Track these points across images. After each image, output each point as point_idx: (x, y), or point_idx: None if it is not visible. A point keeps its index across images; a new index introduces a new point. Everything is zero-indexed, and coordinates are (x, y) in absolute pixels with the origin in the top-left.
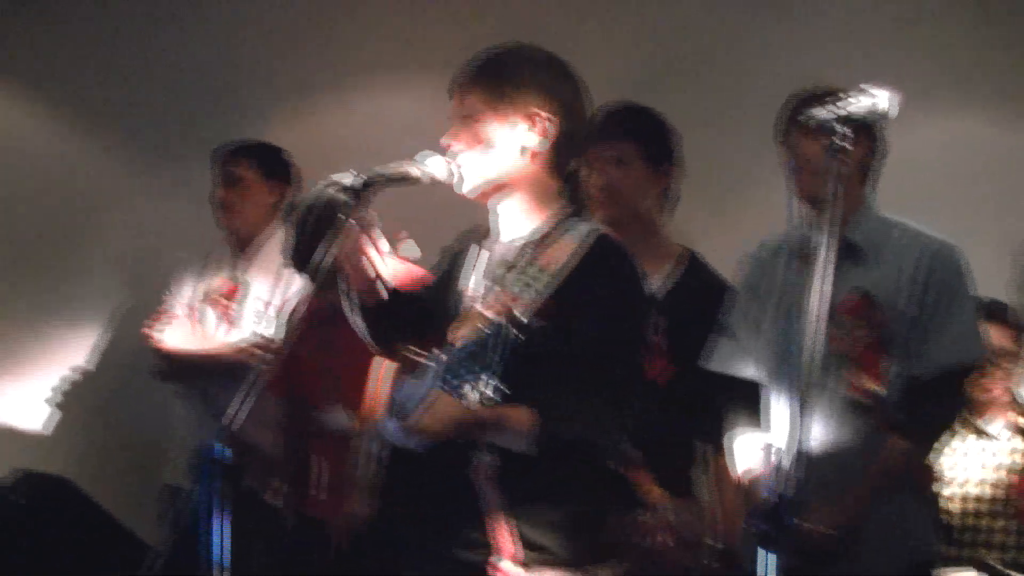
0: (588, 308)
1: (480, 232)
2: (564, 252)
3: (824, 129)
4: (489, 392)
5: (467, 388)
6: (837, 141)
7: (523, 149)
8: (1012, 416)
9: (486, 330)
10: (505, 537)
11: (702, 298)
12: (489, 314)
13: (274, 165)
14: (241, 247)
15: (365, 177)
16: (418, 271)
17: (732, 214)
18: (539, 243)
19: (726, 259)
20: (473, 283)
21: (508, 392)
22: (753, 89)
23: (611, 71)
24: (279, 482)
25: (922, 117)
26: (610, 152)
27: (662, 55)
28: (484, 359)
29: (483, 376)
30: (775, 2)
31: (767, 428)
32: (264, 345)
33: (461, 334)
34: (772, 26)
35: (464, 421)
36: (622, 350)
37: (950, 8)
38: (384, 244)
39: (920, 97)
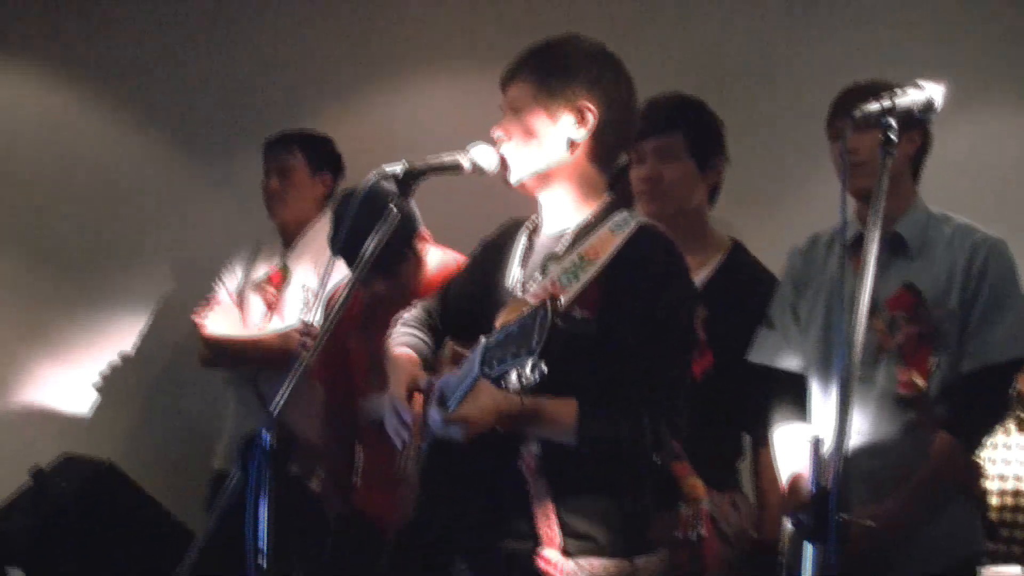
0: (632, 299)
1: (525, 223)
2: (609, 243)
3: (873, 122)
4: (529, 372)
5: (508, 371)
6: (886, 134)
7: (569, 142)
8: None
9: (527, 313)
10: (551, 527)
11: (742, 288)
12: (533, 301)
13: (323, 156)
14: (290, 237)
15: (408, 166)
16: (458, 258)
17: (782, 211)
18: (584, 234)
19: (774, 255)
20: (519, 274)
21: (546, 372)
22: (800, 88)
23: (650, 74)
24: (321, 472)
25: (964, 116)
26: (657, 145)
27: (706, 55)
28: (525, 341)
29: (523, 357)
30: (816, 6)
31: (810, 421)
32: (308, 332)
33: (504, 321)
34: (815, 29)
35: (507, 412)
36: (668, 345)
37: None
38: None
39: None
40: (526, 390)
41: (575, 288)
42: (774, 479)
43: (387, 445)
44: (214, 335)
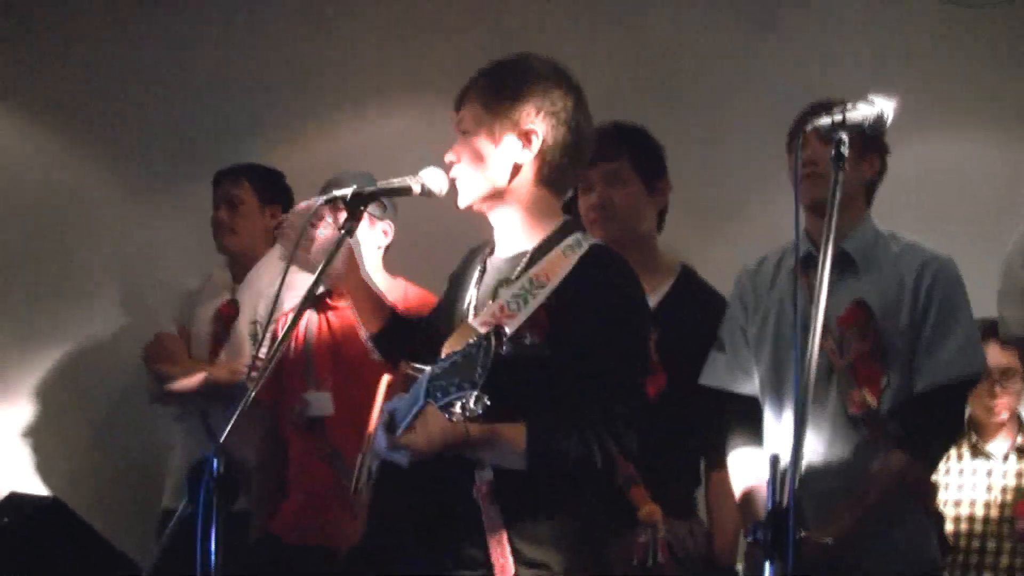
0: (583, 320)
1: (484, 248)
2: (560, 265)
3: (826, 135)
4: (472, 404)
5: (453, 402)
6: (838, 147)
7: (515, 165)
8: (1015, 437)
9: (471, 343)
10: (504, 555)
11: (693, 310)
12: (479, 328)
13: (273, 189)
14: (239, 270)
15: (356, 189)
16: (431, 298)
17: (735, 230)
18: (535, 256)
19: (723, 275)
20: (473, 298)
21: (489, 404)
22: (754, 107)
23: (604, 91)
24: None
25: (918, 136)
26: (606, 170)
27: (657, 74)
28: (468, 374)
29: (467, 390)
30: (772, 23)
31: (766, 442)
32: (257, 366)
33: (450, 348)
34: (770, 46)
35: (453, 440)
36: (619, 364)
37: (944, 27)
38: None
39: (919, 116)
40: (472, 419)
41: (524, 313)
42: (726, 502)
43: (322, 466)
44: (163, 370)
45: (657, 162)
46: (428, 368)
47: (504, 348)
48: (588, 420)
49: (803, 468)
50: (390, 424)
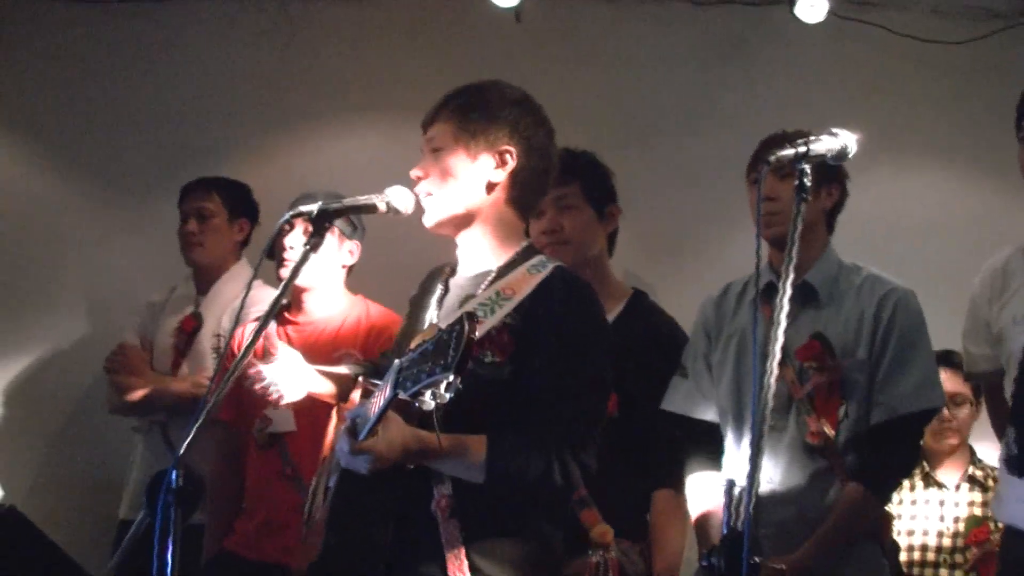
0: (546, 338)
1: (443, 270)
2: (526, 282)
3: (788, 167)
4: (443, 391)
5: (423, 391)
6: (800, 179)
7: (488, 184)
8: (966, 466)
9: (443, 330)
10: (462, 571)
11: (643, 332)
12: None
13: (241, 203)
14: (205, 283)
15: (322, 206)
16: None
17: (696, 261)
18: (501, 274)
19: (682, 307)
20: (433, 319)
21: (461, 388)
22: (715, 139)
23: (568, 119)
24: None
25: (881, 170)
26: (556, 195)
27: (621, 109)
28: (440, 356)
29: (438, 375)
30: (737, 55)
31: (723, 468)
32: (219, 379)
33: (418, 342)
34: (735, 81)
35: (415, 448)
36: (581, 383)
37: (911, 63)
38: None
39: (881, 151)
40: (439, 420)
41: (491, 321)
42: (669, 523)
43: (283, 486)
44: (124, 381)
45: (607, 187)
46: (396, 361)
47: (476, 334)
48: (549, 439)
49: (759, 494)
50: (352, 429)
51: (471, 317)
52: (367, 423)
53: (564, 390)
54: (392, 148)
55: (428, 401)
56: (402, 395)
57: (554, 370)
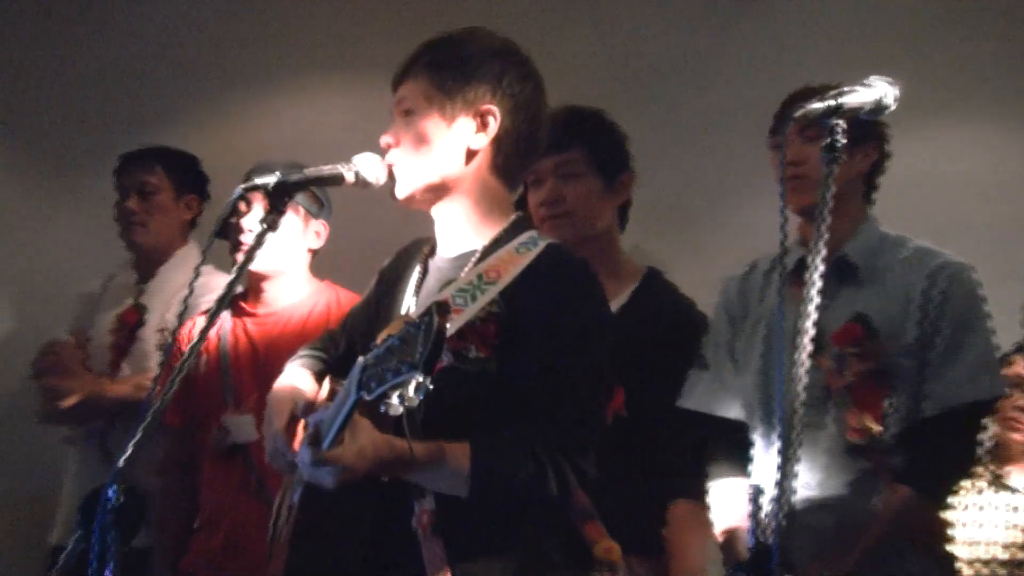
0: (536, 327)
1: (421, 248)
2: (512, 264)
3: (817, 124)
4: (412, 392)
5: (389, 392)
6: (832, 138)
7: (468, 150)
8: None
9: (411, 322)
10: None
11: (657, 318)
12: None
13: (189, 176)
14: (147, 270)
15: (281, 178)
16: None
17: (713, 235)
18: (485, 255)
19: (703, 285)
20: (411, 308)
21: (431, 389)
22: (733, 93)
23: (565, 81)
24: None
25: (919, 126)
26: (557, 162)
27: (623, 61)
28: (408, 353)
29: (405, 374)
30: (759, 5)
31: (750, 473)
32: (164, 380)
33: (385, 336)
34: (754, 32)
35: (389, 458)
36: (576, 376)
37: (948, 7)
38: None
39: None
40: (412, 425)
41: (471, 310)
42: (688, 538)
43: (247, 499)
44: (55, 384)
45: (616, 152)
46: (359, 359)
47: (448, 325)
48: (541, 442)
49: (794, 502)
50: (315, 437)
51: (442, 307)
52: (331, 429)
53: (556, 386)
54: (364, 111)
55: (395, 404)
56: (366, 397)
57: (544, 363)
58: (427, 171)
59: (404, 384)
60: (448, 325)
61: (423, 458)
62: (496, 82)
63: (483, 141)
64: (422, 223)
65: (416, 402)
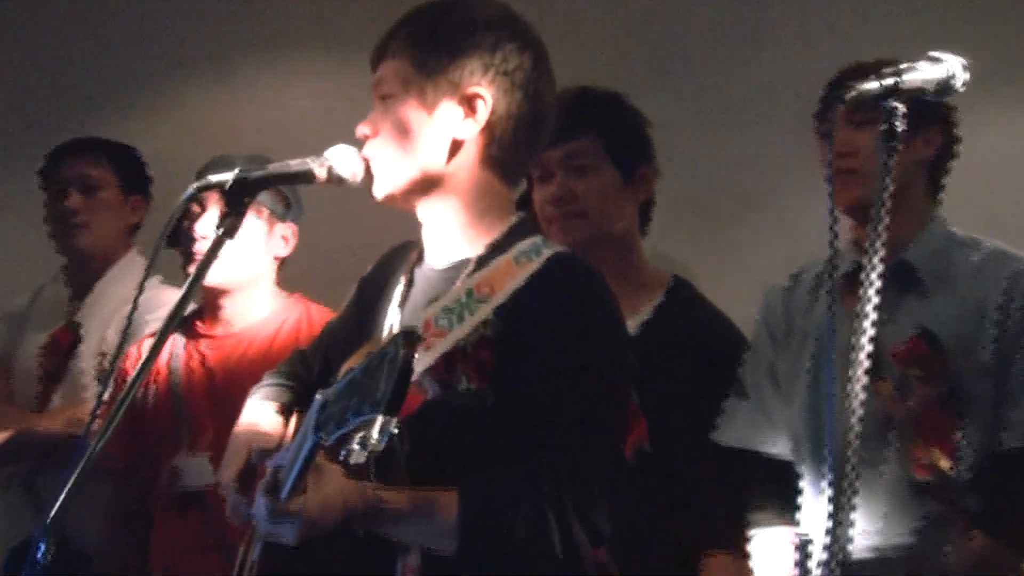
0: (539, 353)
1: (407, 253)
2: (509, 276)
3: (872, 107)
4: (375, 436)
5: (349, 436)
6: (889, 123)
7: (454, 142)
8: None
9: (373, 353)
10: None
11: (685, 336)
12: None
13: (136, 174)
14: (84, 281)
15: (240, 175)
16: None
17: (749, 239)
18: (479, 265)
19: (739, 298)
20: (394, 325)
21: (396, 434)
22: (768, 80)
23: (580, 60)
24: None
25: (989, 109)
26: (567, 152)
27: (648, 36)
28: (370, 390)
29: (367, 414)
30: None
31: (797, 520)
32: (103, 414)
33: (348, 367)
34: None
35: (360, 508)
36: (586, 412)
37: None
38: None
39: (987, 85)
40: (393, 462)
41: (457, 333)
42: None
43: (205, 555)
44: None
45: (636, 140)
46: (319, 395)
47: (416, 355)
48: (544, 491)
49: (849, 553)
50: (272, 485)
51: (409, 336)
52: (290, 476)
53: (565, 428)
54: (342, 95)
55: (356, 451)
56: (325, 441)
57: (548, 396)
58: (408, 167)
59: (367, 426)
60: (416, 356)
61: (402, 509)
62: (488, 58)
63: (472, 130)
64: (408, 225)
65: (380, 448)
